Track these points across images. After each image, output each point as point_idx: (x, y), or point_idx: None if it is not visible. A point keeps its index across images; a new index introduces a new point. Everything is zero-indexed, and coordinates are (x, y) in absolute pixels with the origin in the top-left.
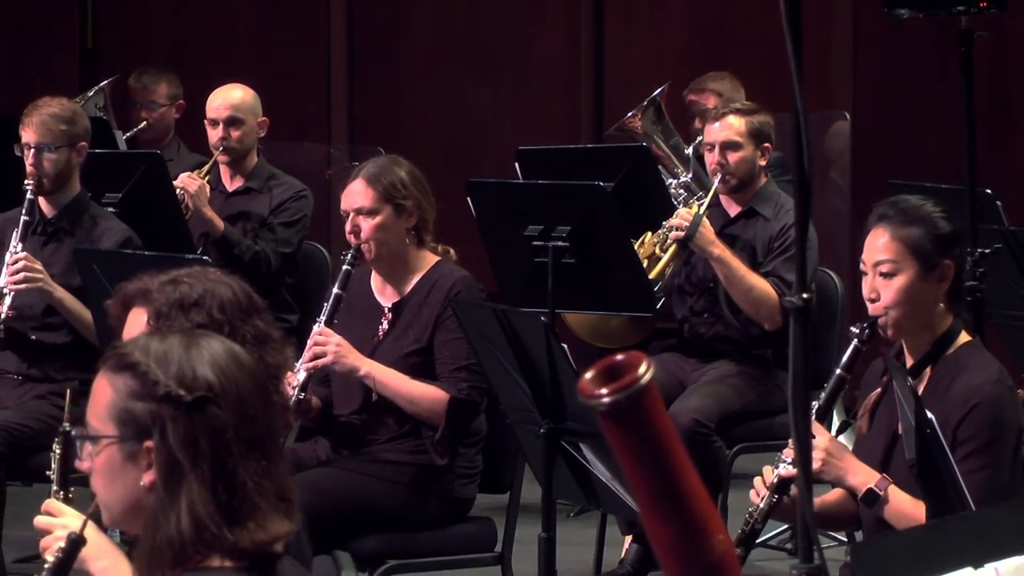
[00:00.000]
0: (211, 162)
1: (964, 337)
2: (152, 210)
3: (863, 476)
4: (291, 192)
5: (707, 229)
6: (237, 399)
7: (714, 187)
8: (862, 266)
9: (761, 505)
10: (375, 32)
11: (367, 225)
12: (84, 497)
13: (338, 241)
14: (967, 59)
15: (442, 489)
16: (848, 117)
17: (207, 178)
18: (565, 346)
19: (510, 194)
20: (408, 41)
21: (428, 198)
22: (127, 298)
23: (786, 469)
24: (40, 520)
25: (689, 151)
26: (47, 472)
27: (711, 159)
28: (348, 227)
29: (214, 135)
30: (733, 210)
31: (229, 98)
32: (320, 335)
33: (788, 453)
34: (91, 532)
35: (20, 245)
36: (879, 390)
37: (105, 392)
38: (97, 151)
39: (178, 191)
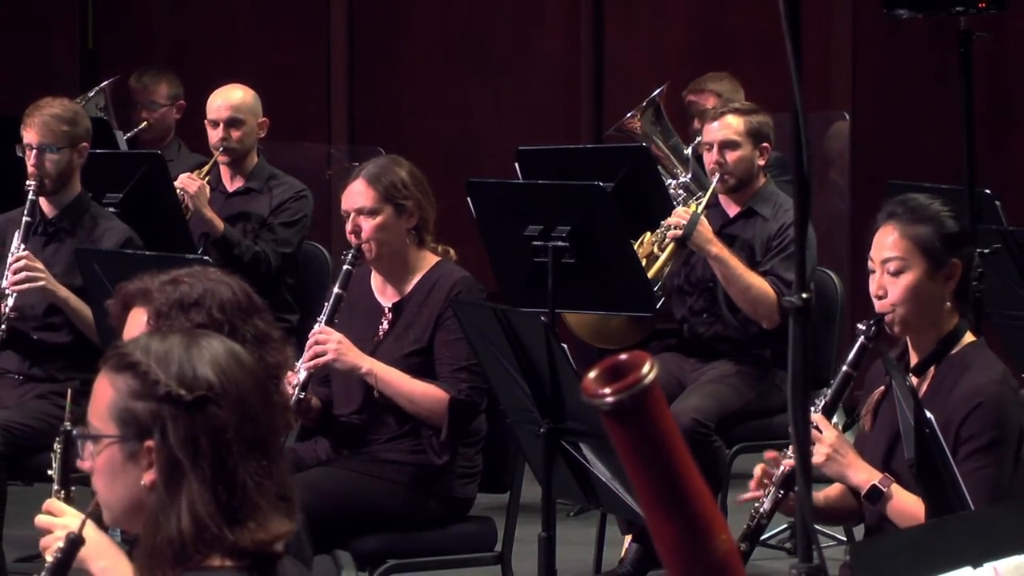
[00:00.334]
0: (211, 162)
1: (969, 337)
2: (153, 210)
3: (866, 474)
4: (291, 192)
5: (705, 228)
6: (237, 399)
7: (712, 186)
8: (870, 263)
9: (766, 501)
10: (375, 32)
11: (368, 225)
12: (85, 497)
13: (338, 241)
14: (966, 59)
15: (442, 489)
16: (847, 117)
17: (207, 178)
18: (565, 346)
19: (510, 194)
20: (408, 41)
21: (428, 198)
22: (128, 298)
23: (791, 465)
24: (41, 519)
25: (688, 151)
26: (48, 471)
27: (709, 158)
28: (349, 227)
29: (214, 135)
30: (732, 210)
31: (229, 99)
32: (320, 334)
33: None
34: (91, 531)
35: (22, 246)
36: (882, 388)
37: (106, 392)
38: (98, 151)
39: (178, 192)
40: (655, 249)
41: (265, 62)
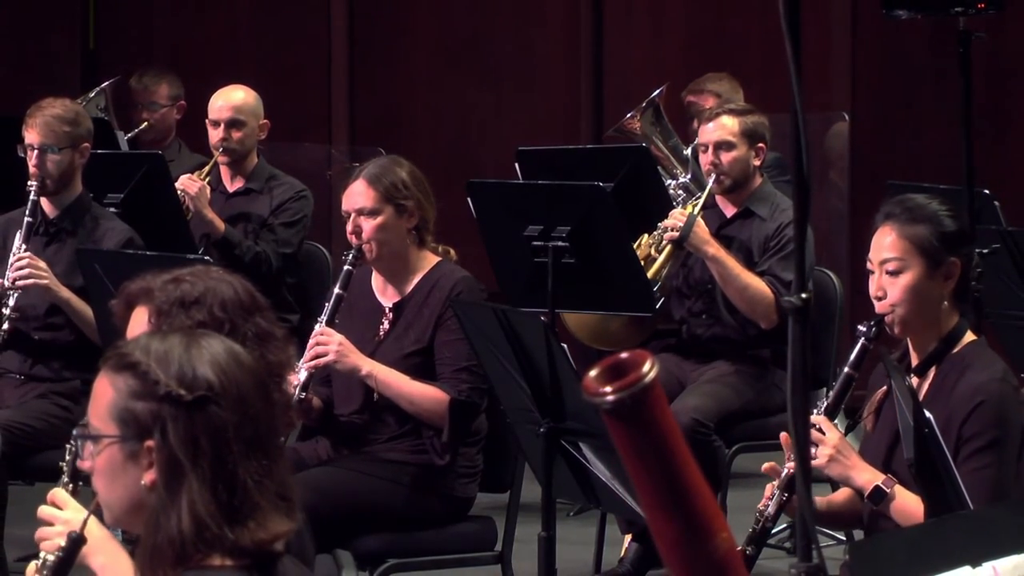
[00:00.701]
0: (211, 163)
1: (970, 336)
2: (153, 210)
3: (869, 475)
4: (291, 192)
5: (701, 229)
6: (237, 399)
7: (708, 187)
8: (869, 264)
9: (771, 503)
10: (375, 33)
11: (368, 225)
12: (88, 498)
13: (339, 241)
14: (965, 60)
15: (442, 488)
16: (847, 118)
17: (207, 179)
18: (565, 346)
19: (510, 194)
20: (409, 42)
21: (429, 198)
22: (131, 297)
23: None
24: (44, 510)
25: (688, 152)
26: (60, 464)
27: (705, 160)
28: (349, 227)
29: (215, 136)
30: (729, 211)
31: (231, 99)
32: (322, 335)
33: None
34: (93, 528)
35: (23, 246)
36: (884, 388)
37: (106, 392)
38: (99, 152)
39: (179, 193)
40: (652, 251)
41: (266, 63)
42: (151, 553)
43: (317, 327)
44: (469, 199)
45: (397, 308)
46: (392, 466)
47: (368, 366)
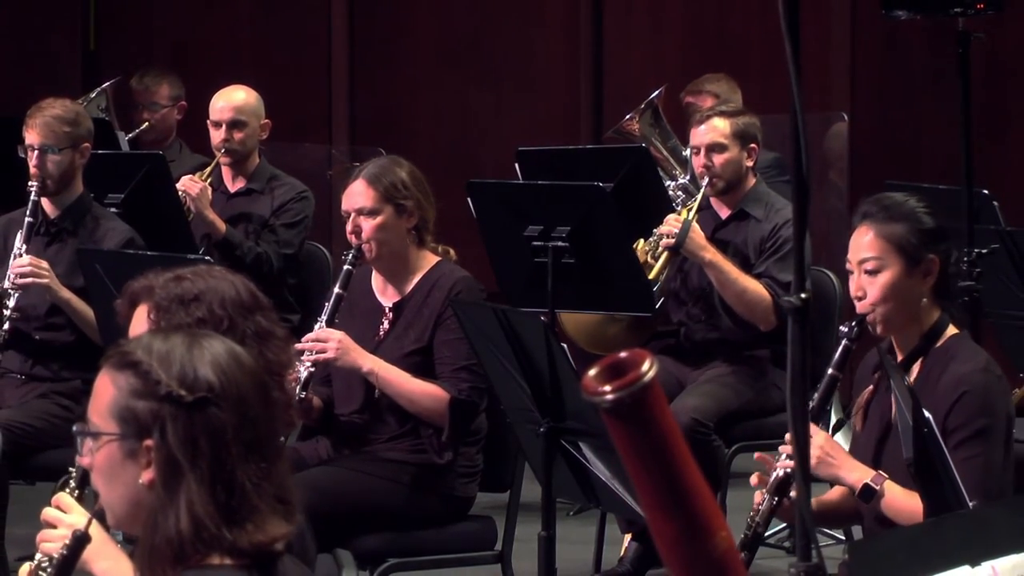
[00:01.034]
0: (213, 164)
1: (952, 329)
2: (154, 211)
3: (859, 473)
4: (292, 193)
5: (697, 234)
6: (237, 400)
7: (702, 191)
8: (848, 265)
9: (762, 508)
10: (376, 33)
11: (368, 225)
12: (91, 505)
13: (339, 241)
14: (964, 60)
15: (443, 488)
16: (846, 118)
17: (209, 180)
18: (565, 346)
19: (510, 195)
20: (408, 42)
21: (428, 198)
22: (134, 296)
23: (784, 468)
24: (48, 512)
25: (687, 153)
26: (70, 469)
27: (697, 162)
28: (349, 227)
29: (216, 136)
30: (724, 212)
31: (232, 100)
32: (317, 340)
33: (786, 450)
34: (95, 531)
35: (24, 246)
36: (871, 388)
37: (107, 390)
38: (100, 152)
39: (180, 194)
40: (649, 258)
41: (266, 63)
42: (150, 553)
43: (317, 327)
44: (469, 199)
45: (397, 308)
46: (392, 466)
47: (369, 363)
